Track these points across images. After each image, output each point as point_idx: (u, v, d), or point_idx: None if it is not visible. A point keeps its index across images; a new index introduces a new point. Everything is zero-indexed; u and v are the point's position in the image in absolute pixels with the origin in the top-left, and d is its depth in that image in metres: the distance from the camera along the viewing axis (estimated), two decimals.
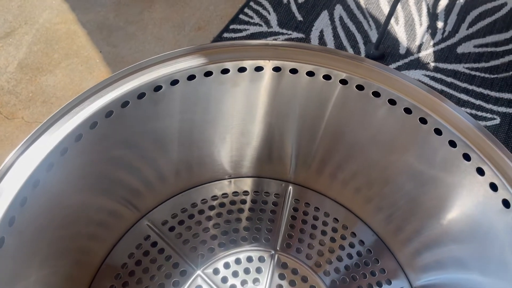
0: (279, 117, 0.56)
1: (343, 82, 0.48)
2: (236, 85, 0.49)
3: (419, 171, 0.52)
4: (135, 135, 0.49)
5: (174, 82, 0.46)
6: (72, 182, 0.46)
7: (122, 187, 0.56)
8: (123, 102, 0.44)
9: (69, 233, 0.51)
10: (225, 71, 0.47)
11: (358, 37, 1.09)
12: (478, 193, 0.45)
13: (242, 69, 0.48)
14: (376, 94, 0.47)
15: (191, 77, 0.47)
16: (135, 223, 0.62)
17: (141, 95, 0.45)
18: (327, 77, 0.48)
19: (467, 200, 0.47)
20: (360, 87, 0.48)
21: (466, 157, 0.44)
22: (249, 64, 0.48)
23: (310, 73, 0.48)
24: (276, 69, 0.48)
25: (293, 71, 0.48)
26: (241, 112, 0.54)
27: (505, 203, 0.41)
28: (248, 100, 0.52)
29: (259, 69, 0.48)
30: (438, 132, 0.45)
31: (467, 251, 0.49)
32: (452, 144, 0.45)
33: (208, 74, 0.47)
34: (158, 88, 0.45)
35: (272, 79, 0.49)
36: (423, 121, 0.46)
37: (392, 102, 0.47)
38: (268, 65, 0.48)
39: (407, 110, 0.47)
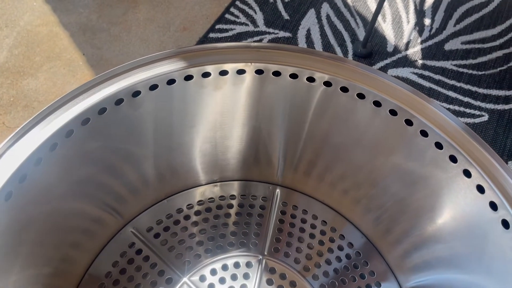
0: (263, 120, 0.55)
1: (327, 84, 0.47)
2: (218, 88, 0.48)
3: (406, 173, 0.51)
4: (114, 142, 0.47)
5: (153, 87, 0.45)
6: (49, 190, 0.44)
7: (104, 193, 0.55)
8: (100, 109, 0.42)
9: (51, 240, 0.49)
10: (206, 74, 0.46)
11: (346, 36, 1.08)
12: (465, 195, 0.44)
13: (223, 72, 0.47)
14: (361, 96, 0.47)
15: (171, 82, 0.45)
16: (119, 230, 0.61)
17: (119, 101, 0.43)
18: (310, 79, 0.47)
19: (454, 201, 0.46)
20: (344, 89, 0.47)
21: (453, 159, 0.43)
22: (230, 67, 0.46)
23: (294, 76, 0.47)
24: (259, 71, 0.47)
25: (276, 73, 0.47)
26: (224, 115, 0.53)
27: (492, 205, 0.41)
28: (231, 104, 0.51)
29: (241, 72, 0.47)
30: (424, 134, 0.45)
31: (456, 252, 0.49)
32: (439, 146, 0.44)
33: (188, 78, 0.46)
34: (136, 93, 0.44)
35: (255, 82, 0.48)
36: (409, 122, 0.45)
37: (377, 103, 0.46)
38: (250, 68, 0.47)
39: (393, 112, 0.46)
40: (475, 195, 0.42)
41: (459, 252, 0.48)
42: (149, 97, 0.45)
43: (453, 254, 0.49)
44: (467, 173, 0.43)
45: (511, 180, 0.40)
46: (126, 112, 0.44)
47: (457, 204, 0.45)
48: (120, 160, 0.51)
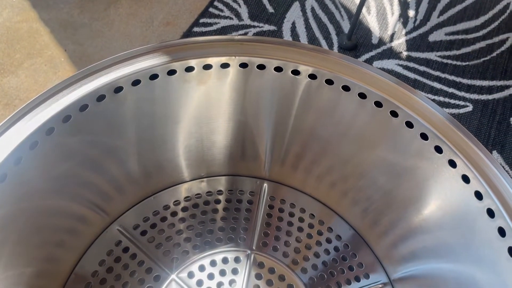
0: (249, 114, 0.54)
1: (312, 76, 0.47)
2: (202, 83, 0.47)
3: (392, 164, 0.51)
4: (96, 139, 0.46)
5: (136, 83, 0.44)
6: (31, 189, 0.43)
7: (88, 191, 0.54)
8: (82, 106, 0.41)
9: (34, 240, 0.48)
10: (189, 69, 0.46)
11: (331, 28, 1.07)
12: (451, 185, 0.44)
13: (207, 67, 0.46)
14: (346, 88, 0.46)
15: (154, 77, 0.45)
16: (105, 228, 0.60)
17: (100, 98, 0.42)
18: (295, 72, 0.47)
19: (440, 192, 0.46)
20: (329, 82, 0.47)
21: (438, 149, 0.43)
22: (214, 61, 0.46)
23: (278, 69, 0.47)
24: (243, 65, 0.47)
25: (261, 67, 0.47)
26: (210, 110, 0.52)
27: (477, 194, 0.41)
28: (215, 98, 0.50)
29: (225, 66, 0.46)
30: (409, 125, 0.45)
31: (442, 242, 0.49)
32: (424, 136, 0.44)
33: (171, 72, 0.45)
34: (118, 89, 0.43)
35: (239, 76, 0.47)
36: (394, 114, 0.45)
37: (362, 95, 0.46)
38: (234, 61, 0.46)
39: (378, 104, 0.46)
40: (460, 185, 0.42)
41: (445, 242, 0.48)
42: (131, 93, 0.44)
43: (440, 244, 0.49)
44: (452, 163, 0.43)
45: (495, 169, 0.40)
46: (109, 108, 0.44)
47: (443, 194, 0.46)
48: (104, 157, 0.50)
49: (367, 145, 0.51)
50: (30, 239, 0.47)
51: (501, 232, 0.39)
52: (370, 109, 0.46)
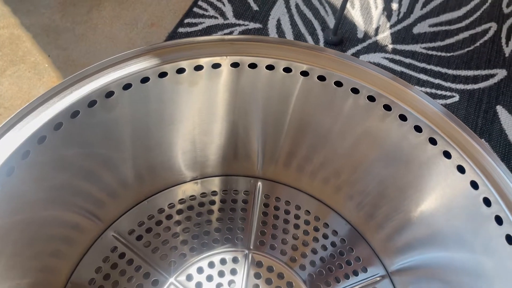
0: (241, 114, 0.54)
1: (304, 73, 0.47)
2: (194, 84, 0.47)
3: (386, 158, 0.51)
4: (89, 146, 0.45)
5: (127, 86, 0.43)
6: (24, 200, 0.42)
7: (82, 199, 0.53)
8: (73, 112, 0.41)
9: (29, 251, 0.47)
10: (180, 70, 0.45)
11: (316, 24, 1.08)
12: (446, 176, 0.45)
13: (198, 68, 0.45)
14: (338, 83, 0.46)
15: (145, 80, 0.44)
16: (100, 235, 0.59)
17: (92, 103, 0.42)
18: (287, 69, 0.47)
19: (435, 183, 0.47)
20: (321, 78, 0.47)
21: (432, 141, 0.44)
22: (205, 61, 0.45)
23: (270, 67, 0.47)
24: (234, 64, 0.46)
25: (252, 65, 0.47)
26: (202, 111, 0.52)
27: (473, 184, 0.41)
28: (208, 99, 0.50)
29: (216, 66, 0.46)
30: (403, 118, 0.45)
31: (438, 232, 0.49)
32: (418, 129, 0.44)
33: (163, 75, 0.45)
34: (110, 94, 0.42)
35: (231, 76, 0.47)
36: (387, 108, 0.45)
37: (355, 90, 0.46)
38: (225, 61, 0.46)
39: (371, 98, 0.46)
40: (456, 175, 0.43)
41: (441, 232, 0.49)
42: (123, 97, 0.44)
43: (436, 235, 0.50)
44: (447, 154, 0.43)
45: (490, 159, 0.41)
46: (100, 114, 0.43)
47: (438, 186, 0.46)
48: (97, 164, 0.49)
49: (360, 139, 0.52)
50: (24, 250, 0.46)
51: (498, 220, 0.39)
52: (363, 104, 0.46)
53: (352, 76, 0.45)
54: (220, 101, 0.50)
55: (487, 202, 0.40)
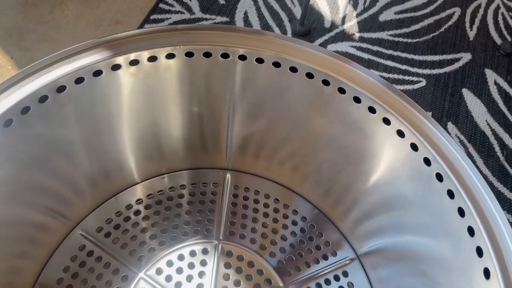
0: (202, 104, 0.54)
1: (259, 60, 0.47)
2: (149, 76, 0.46)
3: (336, 133, 0.52)
4: (44, 144, 0.45)
5: (79, 80, 0.43)
6: None
7: (45, 197, 0.52)
8: (23, 108, 0.40)
9: None
10: (134, 62, 0.45)
11: (283, 15, 1.08)
12: (390, 144, 0.46)
13: (152, 59, 0.45)
14: (293, 69, 0.47)
15: (98, 73, 0.43)
16: (67, 234, 0.58)
17: (43, 98, 0.41)
18: (242, 57, 0.47)
19: (384, 154, 0.48)
20: (276, 64, 0.47)
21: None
22: (159, 52, 0.45)
23: (225, 55, 0.47)
24: (189, 54, 0.46)
25: (207, 54, 0.47)
26: (161, 104, 0.51)
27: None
28: (165, 91, 0.50)
29: (170, 56, 0.46)
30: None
31: (402, 214, 0.50)
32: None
33: (116, 67, 0.44)
34: (61, 88, 0.42)
35: (186, 65, 0.47)
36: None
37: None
38: (179, 51, 0.45)
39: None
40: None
41: (405, 214, 0.50)
42: (76, 92, 0.43)
43: (400, 217, 0.51)
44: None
45: (439, 134, 0.41)
46: (53, 109, 0.42)
47: (384, 153, 0.47)
48: (55, 160, 0.48)
49: (310, 119, 0.52)
50: None
51: (439, 177, 0.40)
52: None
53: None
54: (177, 92, 0.50)
55: (439, 177, 0.41)
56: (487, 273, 0.36)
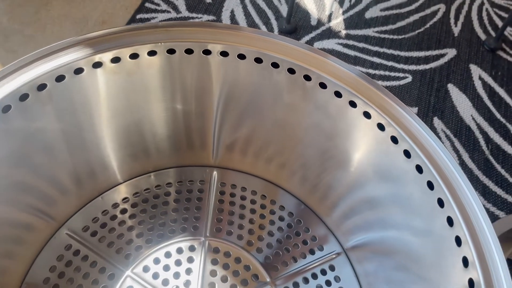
0: (186, 102, 0.54)
1: (241, 57, 0.47)
2: (131, 73, 0.46)
3: (317, 128, 0.52)
4: (28, 142, 0.45)
5: (60, 78, 0.43)
6: None
7: (30, 197, 0.52)
8: (4, 107, 0.40)
9: None
10: (115, 60, 0.45)
11: (269, 13, 1.08)
12: (371, 137, 0.46)
13: (134, 56, 0.45)
14: (275, 65, 0.47)
15: (79, 70, 0.44)
16: (53, 234, 0.58)
17: (23, 97, 0.41)
18: (224, 53, 0.47)
19: (365, 149, 0.48)
20: (258, 60, 0.47)
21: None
22: (140, 49, 0.45)
23: (207, 52, 0.47)
24: (171, 51, 0.46)
25: (189, 51, 0.47)
26: (145, 101, 0.51)
27: (406, 153, 0.43)
28: (148, 88, 0.50)
29: (152, 53, 0.46)
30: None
31: (386, 210, 0.51)
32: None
33: (97, 65, 0.44)
34: (42, 86, 0.42)
35: (168, 62, 0.47)
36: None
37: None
38: (161, 48, 0.46)
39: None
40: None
41: (389, 210, 0.50)
42: (57, 90, 0.43)
43: (384, 212, 0.51)
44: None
45: (419, 126, 0.42)
46: (34, 107, 0.42)
47: (370, 151, 0.48)
48: (37, 159, 0.48)
49: (291, 114, 0.52)
50: None
51: (430, 185, 0.41)
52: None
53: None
54: (160, 90, 0.50)
55: (419, 169, 0.41)
56: (465, 262, 0.36)
